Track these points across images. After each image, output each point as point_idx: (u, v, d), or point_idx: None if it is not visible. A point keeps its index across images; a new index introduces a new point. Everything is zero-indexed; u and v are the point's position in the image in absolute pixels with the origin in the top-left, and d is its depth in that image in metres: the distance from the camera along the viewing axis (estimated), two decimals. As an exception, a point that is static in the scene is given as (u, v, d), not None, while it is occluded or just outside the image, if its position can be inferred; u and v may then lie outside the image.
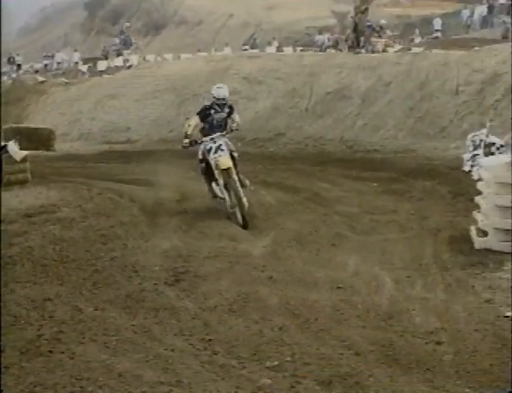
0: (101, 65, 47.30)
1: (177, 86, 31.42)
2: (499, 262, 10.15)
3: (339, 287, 9.04)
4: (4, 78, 49.69)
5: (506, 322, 7.87)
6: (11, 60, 59.19)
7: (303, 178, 17.65)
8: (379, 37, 37.02)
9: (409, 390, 5.77)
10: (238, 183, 13.16)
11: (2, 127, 26.63)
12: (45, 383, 5.67)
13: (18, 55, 61.27)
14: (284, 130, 26.73)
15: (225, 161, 13.19)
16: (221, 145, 13.37)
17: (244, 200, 12.98)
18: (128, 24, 52.37)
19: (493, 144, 16.35)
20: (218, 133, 13.59)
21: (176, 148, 24.92)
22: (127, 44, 45.59)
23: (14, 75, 51.16)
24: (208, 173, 13.63)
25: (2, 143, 17.29)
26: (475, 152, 16.83)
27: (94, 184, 16.49)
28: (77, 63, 54.16)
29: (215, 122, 13.81)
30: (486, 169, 11.57)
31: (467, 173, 16.51)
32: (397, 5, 64.21)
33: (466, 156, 17.58)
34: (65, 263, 10.15)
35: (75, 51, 60.68)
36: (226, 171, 13.15)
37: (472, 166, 16.66)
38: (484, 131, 17.39)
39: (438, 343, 7.23)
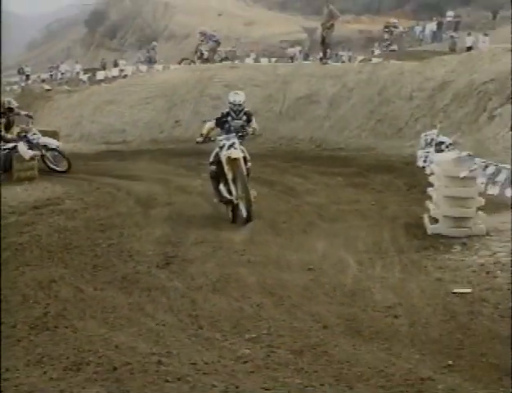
0: (100, 74, 47.14)
1: (167, 93, 31.28)
2: (448, 245, 10.19)
3: (309, 269, 9.05)
4: (15, 86, 49.51)
5: (454, 297, 7.91)
6: (20, 71, 58.94)
7: (278, 173, 17.64)
8: None
9: (370, 358, 5.78)
10: (246, 176, 12.16)
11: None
12: (51, 354, 5.65)
13: (27, 66, 61.03)
14: (261, 131, 26.62)
15: (236, 153, 12.12)
16: (234, 143, 12.24)
17: (252, 192, 12.10)
18: (155, 43, 51.70)
19: (443, 143, 16.39)
20: (234, 134, 12.41)
21: (166, 147, 24.95)
22: (151, 61, 45.31)
23: (23, 84, 50.93)
24: (217, 174, 12.53)
25: (13, 144, 17.21)
26: (427, 150, 16.87)
27: (94, 180, 16.45)
28: (78, 73, 54.01)
29: (232, 128, 12.56)
30: (436, 165, 11.60)
31: (420, 168, 16.54)
32: (359, 21, 64.30)
33: (419, 153, 17.62)
34: (68, 249, 10.13)
35: (77, 62, 60.52)
36: (236, 163, 12.13)
37: (424, 161, 16.72)
38: (435, 131, 17.42)
39: (395, 316, 7.25)
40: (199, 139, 12.77)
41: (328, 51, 29.14)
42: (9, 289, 7.88)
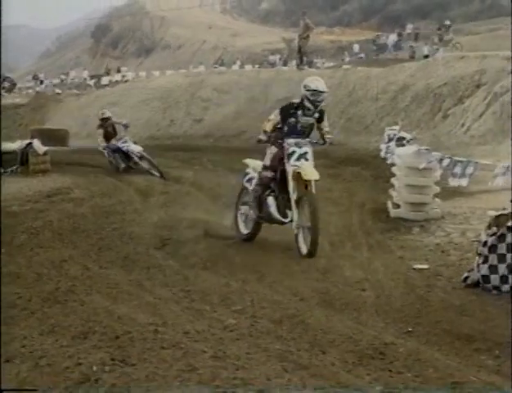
0: (104, 80, 46.95)
1: (163, 95, 31.24)
2: (408, 228, 10.24)
3: (288, 249, 9.04)
4: (30, 90, 49.24)
5: (413, 273, 7.94)
6: (35, 77, 58.62)
7: (260, 166, 17.60)
8: None
9: (341, 326, 5.78)
10: (317, 201, 8.82)
11: (30, 128, 26.49)
12: (61, 324, 5.62)
13: (41, 73, 60.70)
14: (245, 129, 26.61)
15: (310, 172, 8.79)
16: (307, 153, 9.03)
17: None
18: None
19: (404, 138, 16.42)
20: (307, 140, 9.20)
21: (162, 143, 24.91)
22: None
23: (38, 89, 50.63)
24: (268, 184, 9.32)
25: (29, 141, 17.15)
26: (389, 144, 16.91)
27: (99, 172, 16.37)
28: (85, 79, 53.77)
29: (299, 126, 9.17)
30: (398, 157, 11.62)
31: (384, 160, 16.56)
32: (331, 33, 64.23)
33: (382, 146, 17.69)
34: (76, 232, 10.08)
35: (84, 69, 60.24)
36: (306, 183, 8.79)
37: (386, 153, 16.78)
38: (397, 128, 17.47)
39: (363, 290, 7.26)
40: (263, 138, 9.28)
41: (304, 58, 29.14)
42: (25, 267, 7.85)
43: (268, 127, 9.25)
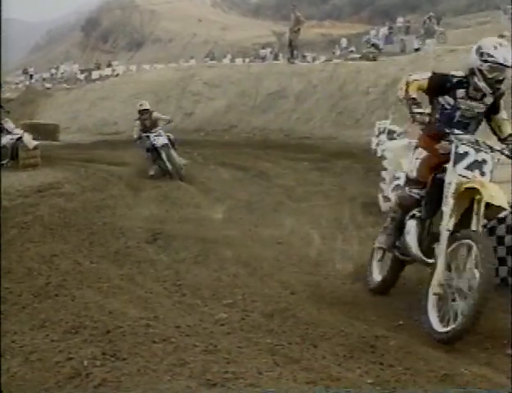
0: (95, 74, 46.77)
1: (154, 89, 31.15)
2: (399, 221, 10.23)
3: (279, 243, 9.05)
4: (20, 85, 49.06)
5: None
6: (25, 71, 58.40)
7: (252, 160, 17.61)
8: None
9: (332, 319, 5.79)
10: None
11: (20, 123, 26.38)
12: (52, 319, 5.61)
13: (30, 67, 60.43)
14: (236, 123, 26.67)
15: (497, 194, 5.41)
16: (486, 162, 5.72)
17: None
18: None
19: (394, 131, 16.45)
20: (482, 141, 5.79)
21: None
22: None
23: (27, 83, 50.44)
24: (407, 205, 6.15)
25: (19, 135, 17.07)
26: (380, 137, 16.95)
27: (90, 166, 16.37)
28: (76, 73, 53.55)
29: (457, 114, 5.94)
30: (389, 150, 11.64)
31: (375, 153, 16.59)
32: (322, 27, 64.20)
33: (373, 139, 17.73)
34: (67, 227, 10.04)
35: (74, 63, 59.99)
36: (491, 207, 5.47)
37: (377, 145, 16.83)
38: (387, 121, 17.51)
39: (354, 283, 7.27)
40: (419, 115, 5.81)
41: (295, 52, 29.14)
42: (16, 262, 7.80)
43: (412, 88, 5.98)
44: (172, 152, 14.69)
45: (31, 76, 56.02)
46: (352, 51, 44.10)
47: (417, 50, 31.57)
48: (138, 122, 15.31)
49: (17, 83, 50.96)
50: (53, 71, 59.53)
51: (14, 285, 6.77)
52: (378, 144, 16.74)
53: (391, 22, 49.01)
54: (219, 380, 4.19)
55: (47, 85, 45.00)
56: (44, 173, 15.28)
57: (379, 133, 17.26)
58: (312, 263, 8.10)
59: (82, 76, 49.58)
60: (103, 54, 76.34)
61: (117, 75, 41.11)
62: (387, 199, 11.03)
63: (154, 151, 14.70)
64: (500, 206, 5.50)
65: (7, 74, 54.20)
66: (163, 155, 14.57)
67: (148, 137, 14.76)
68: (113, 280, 7.09)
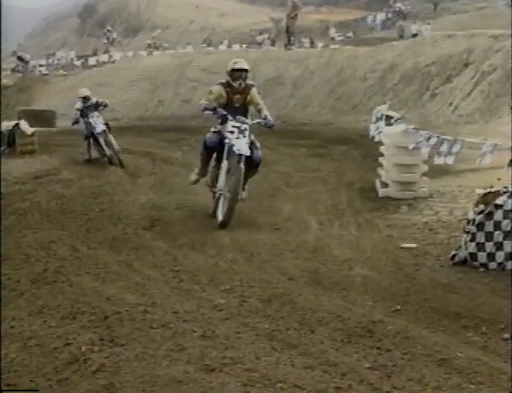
0: (92, 60, 46.49)
1: (151, 76, 31.08)
2: (396, 206, 10.25)
3: (276, 229, 9.04)
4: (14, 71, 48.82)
5: (402, 251, 7.96)
6: (21, 58, 58.09)
7: (249, 146, 17.57)
8: None
9: (329, 305, 5.80)
10: None
11: (16, 109, 26.30)
12: (50, 305, 5.62)
13: (27, 54, 60.13)
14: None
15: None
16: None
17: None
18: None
19: (392, 117, 16.39)
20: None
21: (151, 124, 24.81)
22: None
23: (23, 69, 50.16)
24: None
25: (16, 122, 17.06)
26: (378, 123, 16.89)
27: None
28: (72, 59, 53.29)
29: None
30: (386, 136, 11.62)
31: (372, 139, 16.56)
32: (319, 12, 63.91)
33: (371, 126, 17.68)
34: (65, 213, 10.05)
35: (71, 50, 59.82)
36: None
37: (376, 131, 16.78)
38: (385, 106, 17.45)
39: (351, 268, 7.27)
40: None
41: (292, 38, 29.05)
42: (13, 249, 7.82)
43: None
44: (111, 138, 14.64)
45: (27, 63, 55.71)
46: (349, 37, 43.98)
47: (414, 35, 31.49)
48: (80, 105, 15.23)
49: (13, 69, 50.68)
50: (50, 58, 59.26)
51: (12, 271, 6.79)
52: (375, 130, 16.70)
53: (388, 8, 48.81)
54: (217, 365, 4.20)
55: (44, 72, 44.78)
56: (41, 159, 15.26)
57: (377, 119, 17.22)
58: (309, 248, 8.10)
59: (79, 63, 49.29)
60: (100, 40, 76.04)
61: (114, 62, 40.90)
62: (384, 184, 11.04)
63: (92, 136, 14.74)
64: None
65: (4, 60, 53.96)
66: (101, 141, 14.51)
67: (89, 122, 14.76)
68: (110, 266, 7.11)
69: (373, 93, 22.48)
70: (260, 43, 46.20)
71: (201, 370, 4.13)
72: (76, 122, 15.37)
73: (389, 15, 46.32)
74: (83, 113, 15.03)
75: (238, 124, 9.16)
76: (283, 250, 8.05)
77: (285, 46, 29.06)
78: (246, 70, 9.41)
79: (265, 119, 9.52)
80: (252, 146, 9.20)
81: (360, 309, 5.72)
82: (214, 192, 9.51)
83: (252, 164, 9.19)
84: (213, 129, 9.56)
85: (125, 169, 13.87)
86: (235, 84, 9.31)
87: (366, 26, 48.47)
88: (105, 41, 47.65)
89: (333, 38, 44.05)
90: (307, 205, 10.56)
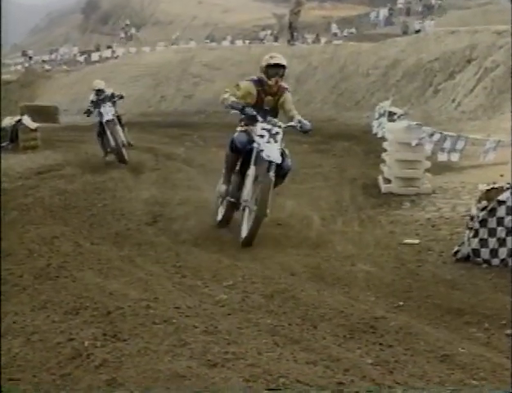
0: (94, 56, 46.55)
1: (153, 72, 31.11)
2: (399, 202, 10.25)
3: (279, 224, 9.02)
4: (19, 67, 48.92)
5: (404, 247, 7.96)
6: (24, 54, 58.16)
7: (252, 142, 17.55)
8: None
9: (332, 300, 5.80)
10: None
11: (19, 105, 26.32)
12: (53, 300, 5.62)
13: (30, 49, 60.19)
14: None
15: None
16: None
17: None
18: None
19: (395, 113, 16.40)
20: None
21: (153, 120, 24.83)
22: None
23: (27, 65, 50.25)
24: None
25: (18, 117, 17.10)
26: (380, 119, 16.90)
27: (90, 148, 16.30)
28: (75, 55, 53.34)
29: None
30: (389, 132, 11.61)
31: (375, 135, 16.55)
32: (322, 8, 63.84)
33: (374, 123, 17.68)
34: (68, 209, 10.06)
35: (74, 46, 59.80)
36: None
37: (378, 127, 16.79)
38: (388, 103, 17.44)
39: (353, 264, 7.28)
40: None
41: (295, 34, 29.05)
42: (17, 244, 7.82)
43: None
44: (118, 129, 14.07)
45: (30, 58, 55.79)
46: (352, 33, 43.93)
47: (418, 32, 31.46)
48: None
49: (16, 65, 50.76)
50: (53, 53, 59.30)
51: (15, 266, 6.79)
52: (378, 126, 16.71)
53: (392, 3, 48.77)
54: (219, 360, 4.20)
55: (47, 67, 44.85)
56: (44, 155, 15.28)
57: (380, 116, 17.21)
58: (312, 244, 8.09)
59: (81, 58, 49.37)
60: (103, 36, 76.02)
61: (116, 57, 40.93)
62: (387, 180, 11.03)
63: (104, 131, 14.11)
64: None
65: (6, 56, 54.05)
66: (107, 131, 13.94)
67: (100, 112, 14.17)
68: (113, 262, 7.10)
69: (376, 89, 22.48)
70: (262, 39, 46.21)
71: (204, 365, 4.13)
72: (88, 113, 14.55)
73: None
74: (97, 105, 14.29)
75: (269, 127, 7.95)
76: (285, 246, 8.04)
77: (288, 41, 29.07)
78: (284, 67, 8.28)
79: (299, 122, 8.22)
80: (282, 152, 8.03)
81: (362, 305, 5.72)
82: (223, 199, 8.67)
83: (279, 173, 8.00)
84: (239, 129, 8.42)
85: (128, 164, 13.84)
86: (271, 83, 8.20)
87: (369, 22, 48.48)
88: (123, 35, 47.63)
89: (335, 34, 44.04)
90: (309, 201, 10.54)
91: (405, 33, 34.50)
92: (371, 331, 5.04)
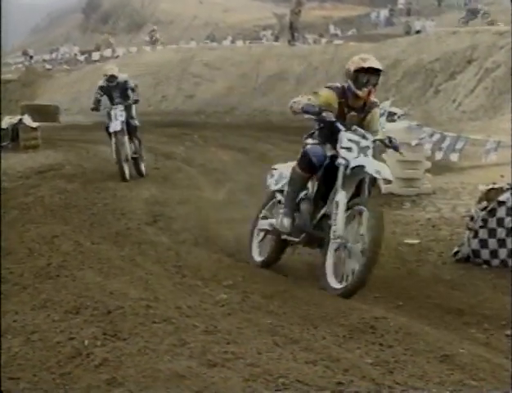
0: (95, 55, 46.52)
1: (154, 71, 31.10)
2: (400, 203, 10.27)
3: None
4: (19, 66, 48.90)
5: (405, 247, 7.97)
6: (25, 53, 58.14)
7: (252, 142, 17.58)
8: None
9: (331, 300, 5.80)
10: None
11: (20, 104, 26.33)
12: (53, 300, 5.61)
13: (31, 49, 60.16)
14: (237, 105, 26.63)
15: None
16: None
17: None
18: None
19: (395, 113, 16.39)
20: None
21: (153, 119, 24.80)
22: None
23: (27, 64, 50.22)
24: None
25: (19, 117, 17.10)
26: (380, 119, 16.87)
27: (90, 148, 16.35)
28: (76, 54, 53.31)
29: None
30: (389, 133, 11.60)
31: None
32: (323, 8, 63.83)
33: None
34: (68, 208, 10.06)
35: (74, 45, 59.80)
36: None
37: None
38: (388, 103, 17.44)
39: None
40: None
41: (295, 34, 29.05)
42: (17, 243, 7.82)
43: None
44: (125, 140, 12.22)
45: (31, 57, 55.75)
46: (353, 33, 43.92)
47: (418, 32, 31.45)
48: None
49: (17, 64, 50.75)
50: (53, 53, 59.28)
51: (15, 265, 6.78)
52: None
53: (392, 4, 48.78)
54: (219, 360, 4.20)
55: (48, 66, 44.84)
56: (45, 154, 15.29)
57: (380, 116, 17.20)
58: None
59: (82, 57, 49.32)
60: (103, 36, 76.03)
61: (117, 57, 40.90)
62: (387, 181, 11.02)
63: (106, 130, 12.55)
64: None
65: (7, 55, 54.09)
66: (112, 142, 12.27)
67: (109, 114, 12.42)
68: (113, 261, 7.10)
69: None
70: (261, 39, 46.18)
71: (203, 365, 4.13)
72: (96, 107, 12.82)
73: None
74: (109, 94, 12.48)
75: (357, 138, 6.36)
76: (286, 245, 8.03)
77: (289, 42, 29.06)
78: (379, 73, 6.53)
79: (389, 137, 6.85)
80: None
81: (362, 305, 5.72)
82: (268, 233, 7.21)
83: None
84: (310, 141, 7.12)
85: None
86: (361, 94, 6.47)
87: (369, 22, 48.47)
88: (148, 39, 47.63)
89: (336, 35, 44.04)
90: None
91: (407, 33, 34.49)
92: (371, 331, 5.04)
